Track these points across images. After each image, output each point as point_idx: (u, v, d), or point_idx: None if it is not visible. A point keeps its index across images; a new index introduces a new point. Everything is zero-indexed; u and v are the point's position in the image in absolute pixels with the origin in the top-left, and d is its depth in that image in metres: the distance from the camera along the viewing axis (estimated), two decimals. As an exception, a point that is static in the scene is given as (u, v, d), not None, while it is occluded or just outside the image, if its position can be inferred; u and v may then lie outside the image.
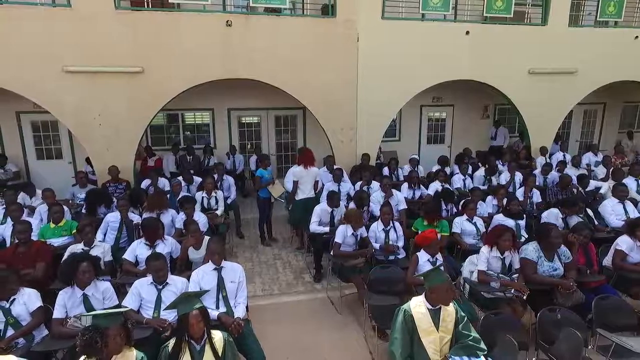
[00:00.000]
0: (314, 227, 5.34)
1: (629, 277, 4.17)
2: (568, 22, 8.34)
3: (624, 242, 4.30)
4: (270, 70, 7.10)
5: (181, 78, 6.81)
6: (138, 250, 4.32)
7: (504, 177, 7.23)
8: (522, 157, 8.47)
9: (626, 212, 5.51)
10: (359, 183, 6.58)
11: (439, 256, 4.21)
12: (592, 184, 6.91)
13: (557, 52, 8.34)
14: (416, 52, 7.65)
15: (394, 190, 6.02)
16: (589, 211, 5.57)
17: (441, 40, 7.74)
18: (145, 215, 5.11)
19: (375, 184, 6.40)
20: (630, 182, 6.50)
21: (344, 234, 4.73)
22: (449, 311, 2.89)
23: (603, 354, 3.28)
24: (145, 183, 6.65)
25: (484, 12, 7.87)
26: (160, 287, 3.47)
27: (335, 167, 6.89)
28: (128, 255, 4.30)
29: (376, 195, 6.00)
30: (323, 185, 6.51)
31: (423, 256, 4.13)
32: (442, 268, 3.09)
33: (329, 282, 5.13)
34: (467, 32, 7.81)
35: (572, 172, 7.35)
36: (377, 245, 4.85)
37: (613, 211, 5.58)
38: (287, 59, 7.11)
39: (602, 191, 6.62)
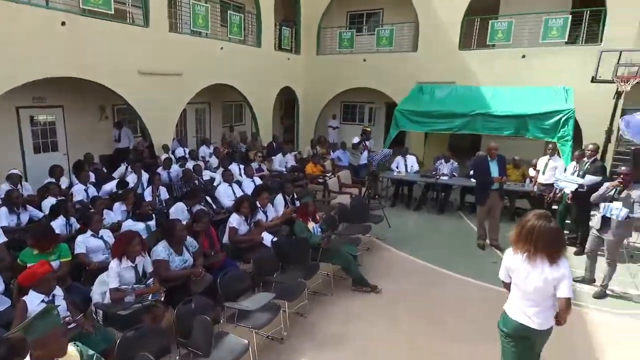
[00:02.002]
0: None
1: (241, 247, 5.03)
2: (169, 28, 8.94)
3: (234, 220, 5.12)
4: None
5: None
6: None
7: (132, 179, 7.01)
8: (146, 157, 8.53)
9: (234, 193, 6.63)
10: None
11: (59, 291, 3.45)
12: (207, 173, 7.89)
13: (162, 54, 8.80)
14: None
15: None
16: (208, 198, 6.31)
17: (28, 29, 6.38)
18: None
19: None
20: (234, 167, 7.90)
21: None
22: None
23: (232, 322, 3.76)
24: None
25: (80, 4, 7.10)
26: None
27: None
28: None
29: (-49, 234, 4.26)
30: None
31: (34, 299, 3.25)
32: (51, 309, 2.47)
33: None
34: (63, 23, 6.83)
35: (192, 165, 8.10)
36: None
37: (225, 194, 6.58)
38: None
39: (216, 182, 7.66)
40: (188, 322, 3.38)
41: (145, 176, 7.11)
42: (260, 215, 5.54)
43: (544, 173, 7.27)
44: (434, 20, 11.96)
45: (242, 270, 4.46)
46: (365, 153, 9.12)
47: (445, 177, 8.51)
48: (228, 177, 6.82)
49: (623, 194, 4.91)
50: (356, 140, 9.20)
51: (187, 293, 3.91)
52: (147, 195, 6.32)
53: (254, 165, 8.24)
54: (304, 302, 4.59)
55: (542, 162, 7.40)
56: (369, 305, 4.83)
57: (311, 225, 5.35)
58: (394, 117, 9.93)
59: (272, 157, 9.61)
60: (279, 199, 6.15)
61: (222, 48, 10.41)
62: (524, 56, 11.04)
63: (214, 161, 9.04)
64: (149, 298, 3.74)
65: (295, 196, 6.34)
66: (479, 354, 3.97)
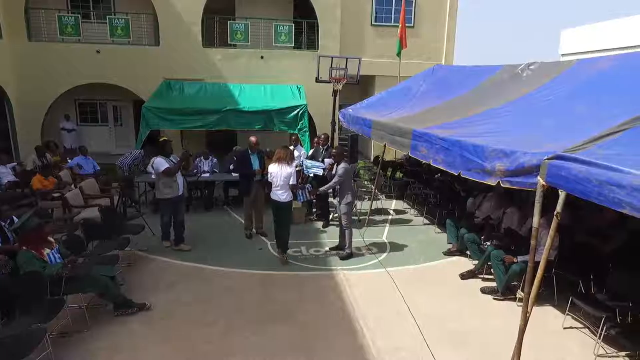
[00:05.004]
0: None
1: None
2: None
3: None
4: None
5: None
6: None
7: None
8: None
9: None
10: None
11: None
12: None
13: None
14: None
15: None
16: None
17: None
18: None
19: None
20: None
21: None
22: None
23: None
24: None
25: None
26: None
27: None
28: None
29: None
30: None
31: None
32: None
33: None
34: None
35: None
36: None
37: None
38: None
39: None
40: None
41: None
42: (-44, 256, 3.96)
43: (291, 161, 8.20)
44: (173, 13, 11.55)
45: None
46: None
47: (207, 174, 8.44)
48: None
49: (333, 170, 5.99)
50: (163, 165, 5.88)
51: None
52: None
53: (-60, 187, 5.87)
54: (47, 350, 3.59)
55: (289, 151, 8.32)
56: (141, 328, 4.25)
57: (46, 251, 4.22)
58: (142, 116, 9.08)
59: (-27, 174, 7.12)
60: (-10, 227, 4.58)
61: None
62: (262, 57, 12.12)
63: None
64: None
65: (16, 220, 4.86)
66: (277, 333, 4.17)
